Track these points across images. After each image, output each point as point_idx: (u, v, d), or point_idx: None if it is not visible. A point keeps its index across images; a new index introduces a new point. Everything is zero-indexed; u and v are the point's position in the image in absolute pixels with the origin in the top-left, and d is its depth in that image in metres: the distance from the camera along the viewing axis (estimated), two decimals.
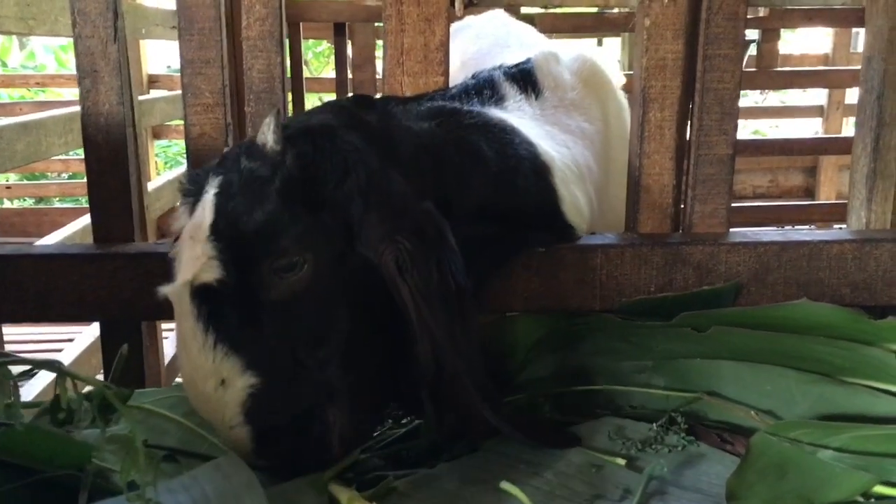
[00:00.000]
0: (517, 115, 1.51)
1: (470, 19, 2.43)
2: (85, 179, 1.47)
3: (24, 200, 7.21)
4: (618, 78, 1.87)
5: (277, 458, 1.06)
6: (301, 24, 3.86)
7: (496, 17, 2.40)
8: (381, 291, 1.08)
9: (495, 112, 1.46)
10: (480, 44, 2.17)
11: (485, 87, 1.55)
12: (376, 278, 1.08)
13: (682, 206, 1.52)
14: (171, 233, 1.12)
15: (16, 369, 0.98)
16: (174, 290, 1.05)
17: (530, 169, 1.37)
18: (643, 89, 1.46)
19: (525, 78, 1.62)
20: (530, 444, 1.18)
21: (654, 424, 1.21)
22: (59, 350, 2.68)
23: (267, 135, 1.07)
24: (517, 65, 1.66)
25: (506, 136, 1.38)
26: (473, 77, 1.61)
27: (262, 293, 1.04)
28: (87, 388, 0.98)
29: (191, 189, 1.13)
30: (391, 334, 1.12)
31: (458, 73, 1.82)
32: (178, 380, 1.19)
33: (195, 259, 1.04)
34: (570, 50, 1.80)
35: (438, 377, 1.10)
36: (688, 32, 1.44)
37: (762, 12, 4.24)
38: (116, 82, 1.40)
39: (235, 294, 1.03)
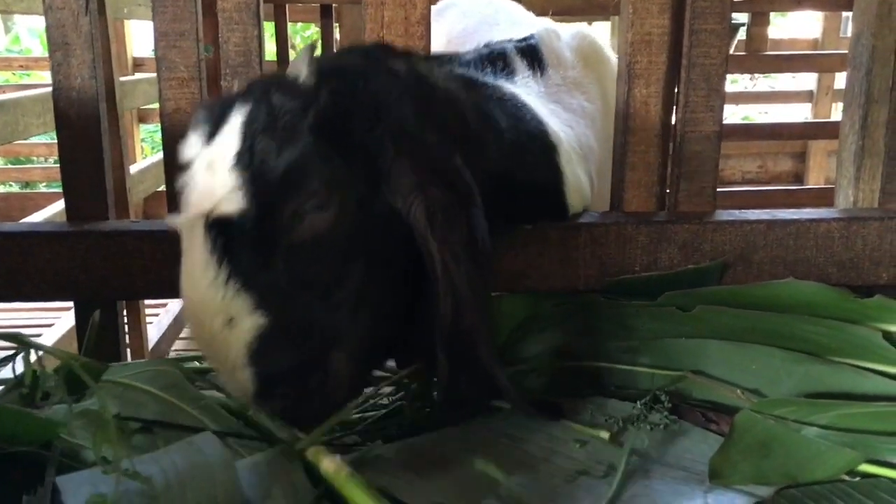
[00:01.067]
0: (525, 91, 1.49)
1: None
2: None
3: (10, 186, 7.15)
4: (614, 56, 1.85)
5: (279, 404, 1.03)
6: (287, 6, 3.82)
7: None
8: (403, 242, 1.05)
9: (508, 86, 1.44)
10: (467, 22, 2.15)
11: (497, 59, 1.54)
12: (400, 228, 1.04)
13: (668, 184, 1.50)
14: (180, 162, 1.06)
15: None
16: (187, 221, 1.00)
17: (539, 147, 1.36)
18: (628, 65, 1.44)
19: (531, 54, 1.60)
20: (526, 413, 1.17)
21: (638, 402, 1.20)
22: (39, 335, 2.65)
23: (301, 68, 1.03)
24: (523, 39, 1.64)
25: (518, 112, 1.36)
26: (486, 47, 1.59)
27: (281, 233, 0.99)
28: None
29: (207, 116, 1.07)
30: (408, 287, 1.10)
31: (445, 50, 1.79)
32: None
33: (215, 189, 0.99)
34: (569, 27, 1.79)
35: (456, 335, 1.07)
36: (674, 7, 1.42)
37: None
38: (88, 56, 1.36)
39: (254, 230, 0.98)
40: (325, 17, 3.74)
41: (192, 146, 1.06)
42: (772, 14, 4.84)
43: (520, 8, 2.33)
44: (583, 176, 1.47)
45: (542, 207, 1.40)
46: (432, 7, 2.21)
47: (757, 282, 1.40)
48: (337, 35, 4.03)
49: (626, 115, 1.45)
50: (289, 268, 1.00)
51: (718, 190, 1.50)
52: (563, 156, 1.40)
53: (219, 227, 0.98)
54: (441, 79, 1.25)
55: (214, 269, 0.97)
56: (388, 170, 1.04)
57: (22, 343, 0.88)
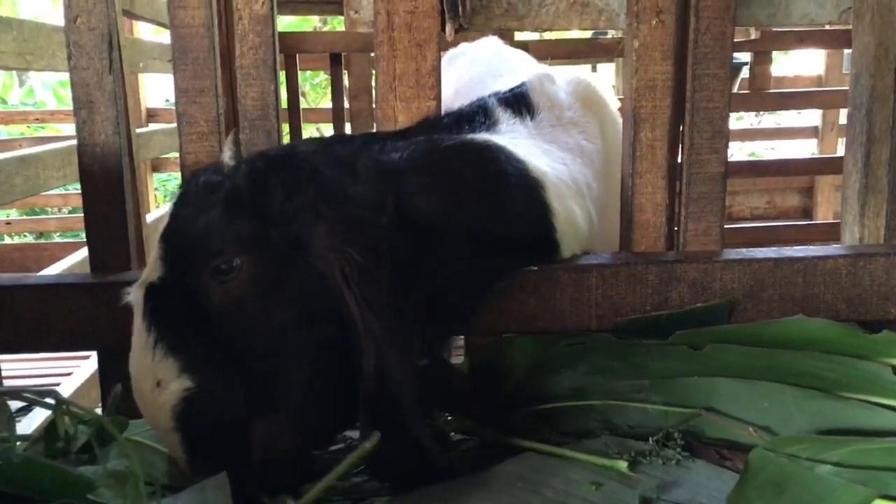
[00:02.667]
0: (510, 136, 1.51)
1: (464, 47, 2.46)
2: None
3: (24, 236, 7.23)
4: (613, 99, 1.88)
5: (209, 469, 1.02)
6: (297, 55, 3.89)
7: (489, 45, 2.43)
8: (333, 305, 1.09)
9: (482, 135, 1.45)
10: (473, 71, 2.19)
11: (477, 114, 1.56)
12: (327, 290, 1.09)
13: (676, 224, 1.53)
14: None
15: (15, 406, 0.98)
16: (133, 291, 1.09)
17: (517, 185, 1.36)
18: (634, 109, 1.47)
19: (519, 101, 1.63)
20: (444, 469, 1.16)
21: (651, 439, 1.21)
22: (58, 384, 2.67)
23: (225, 152, 1.15)
24: (511, 89, 1.66)
25: (488, 155, 1.37)
26: (469, 105, 1.61)
27: (202, 296, 1.06)
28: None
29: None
30: (342, 349, 1.11)
31: (453, 100, 1.83)
32: None
33: (150, 259, 1.10)
34: (566, 72, 1.82)
35: (379, 395, 1.09)
36: (676, 53, 1.46)
37: (753, 34, 4.28)
38: (112, 113, 1.41)
39: (178, 295, 1.06)
40: (335, 64, 3.80)
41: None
42: (774, 52, 4.90)
43: (524, 56, 2.38)
44: (577, 209, 1.47)
45: (532, 243, 1.40)
46: (444, 55, 2.28)
47: (766, 319, 1.42)
48: (346, 82, 4.09)
49: (634, 157, 1.48)
50: (213, 330, 1.06)
51: (727, 227, 1.52)
52: (551, 190, 1.40)
53: (149, 294, 1.07)
54: (387, 153, 1.28)
55: (145, 333, 1.04)
56: (308, 235, 1.10)
57: (58, 402, 0.92)
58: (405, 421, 1.10)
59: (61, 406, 0.89)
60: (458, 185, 1.31)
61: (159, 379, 1.02)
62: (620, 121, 1.82)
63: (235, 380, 1.06)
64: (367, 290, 1.07)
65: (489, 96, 1.64)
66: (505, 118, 1.58)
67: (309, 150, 1.22)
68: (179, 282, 1.06)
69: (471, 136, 1.43)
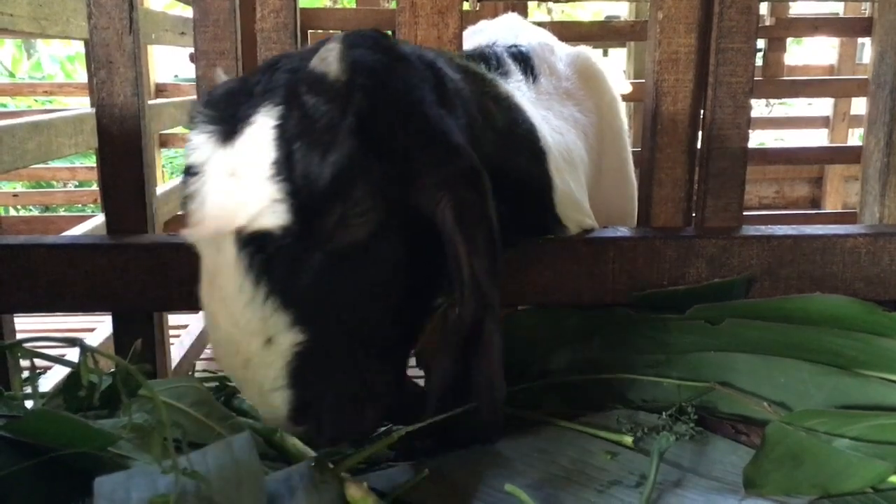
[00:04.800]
0: (518, 94, 1.47)
1: (483, 24, 2.45)
2: (92, 187, 1.47)
3: (31, 210, 7.24)
4: (612, 77, 1.85)
5: (313, 425, 0.98)
6: (309, 32, 3.88)
7: (509, 21, 2.41)
8: (428, 243, 1.02)
9: (503, 85, 1.41)
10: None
11: (490, 59, 1.52)
12: (426, 228, 1.01)
13: (695, 199, 1.52)
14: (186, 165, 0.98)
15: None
16: (211, 236, 0.92)
17: (529, 150, 1.34)
18: (656, 83, 1.46)
19: (524, 60, 1.59)
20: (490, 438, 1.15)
21: (664, 413, 1.21)
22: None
23: (331, 64, 0.95)
24: (515, 45, 1.62)
25: (512, 113, 1.34)
26: (478, 48, 1.58)
27: (321, 244, 0.93)
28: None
29: (213, 115, 0.98)
30: (431, 290, 1.07)
31: None
32: None
33: (248, 201, 0.91)
34: (566, 46, 1.80)
35: (471, 339, 1.04)
36: (700, 26, 1.45)
37: (768, 21, 4.26)
38: (131, 74, 1.41)
39: (293, 243, 0.92)
40: None
41: (201, 148, 0.96)
42: (788, 41, 4.87)
43: (543, 32, 2.37)
44: (573, 184, 1.44)
45: (531, 213, 1.37)
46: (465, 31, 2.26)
47: (784, 296, 1.41)
48: None
49: (654, 131, 1.47)
50: (326, 279, 0.95)
51: None
52: (552, 163, 1.37)
53: (255, 243, 0.91)
54: (450, 70, 1.20)
55: (251, 288, 0.91)
56: (416, 168, 1.00)
57: (83, 348, 0.91)
58: (493, 377, 1.06)
59: (87, 353, 0.88)
60: (498, 135, 1.27)
61: (270, 335, 0.92)
62: (618, 96, 1.81)
63: (343, 331, 0.98)
64: (478, 231, 1.01)
65: (499, 46, 1.59)
66: (514, 72, 1.54)
67: (409, 75, 1.08)
68: (301, 230, 0.91)
69: (500, 84, 1.39)
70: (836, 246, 1.43)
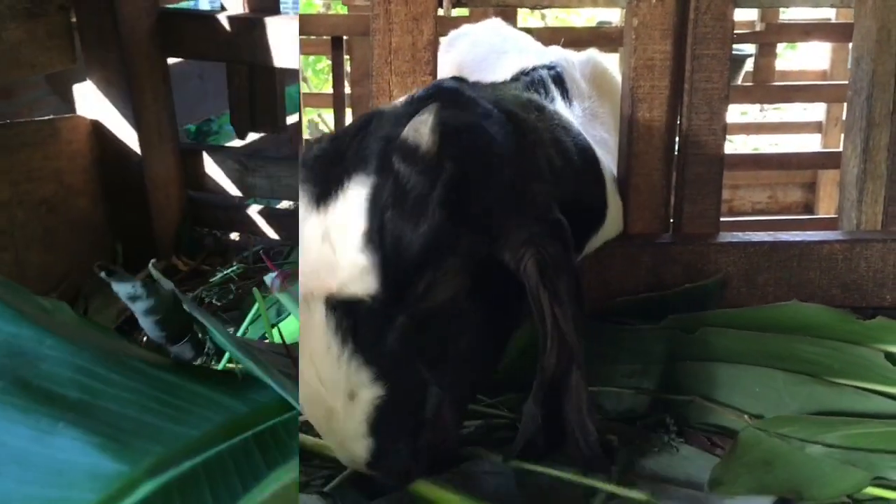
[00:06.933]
0: (574, 120, 1.48)
1: (467, 28, 2.44)
2: None
3: None
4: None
5: (391, 468, 1.02)
6: (300, 38, 3.88)
7: (492, 25, 2.41)
8: (508, 297, 1.05)
9: (565, 114, 1.42)
10: (476, 51, 2.17)
11: (539, 86, 1.52)
12: (506, 283, 1.03)
13: (672, 206, 1.52)
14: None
15: None
16: (304, 299, 0.98)
17: (594, 176, 1.35)
18: (632, 89, 1.46)
19: (560, 82, 1.59)
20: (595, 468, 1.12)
21: (638, 423, 1.20)
22: None
23: (424, 136, 0.97)
24: (551, 66, 1.61)
25: (577, 140, 1.33)
26: (525, 73, 1.57)
27: (405, 307, 0.96)
28: None
29: (310, 173, 1.02)
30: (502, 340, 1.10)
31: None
32: None
33: (339, 267, 0.95)
34: (575, 54, 1.78)
35: (554, 386, 1.06)
36: (676, 33, 1.44)
37: (758, 27, 4.26)
38: None
39: (380, 309, 0.95)
40: (336, 48, 3.78)
41: (307, 212, 1.01)
42: (780, 47, 4.87)
43: (527, 37, 2.36)
44: (619, 203, 1.47)
45: (585, 236, 1.37)
46: (445, 37, 2.26)
47: (761, 303, 1.41)
48: (347, 67, 4.08)
49: (631, 138, 1.47)
50: (406, 337, 0.97)
51: (728, 220, 1.52)
52: (609, 186, 1.40)
53: (344, 308, 0.95)
54: (522, 112, 1.21)
55: (338, 349, 0.95)
56: (499, 225, 1.02)
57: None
58: (583, 423, 1.07)
59: None
60: (573, 171, 1.28)
61: (353, 390, 0.96)
62: None
63: (420, 379, 1.01)
64: (562, 286, 1.02)
65: (542, 68, 1.58)
66: (557, 97, 1.54)
67: (492, 132, 1.10)
68: (387, 298, 0.95)
69: (561, 112, 1.41)
70: (812, 252, 1.43)
